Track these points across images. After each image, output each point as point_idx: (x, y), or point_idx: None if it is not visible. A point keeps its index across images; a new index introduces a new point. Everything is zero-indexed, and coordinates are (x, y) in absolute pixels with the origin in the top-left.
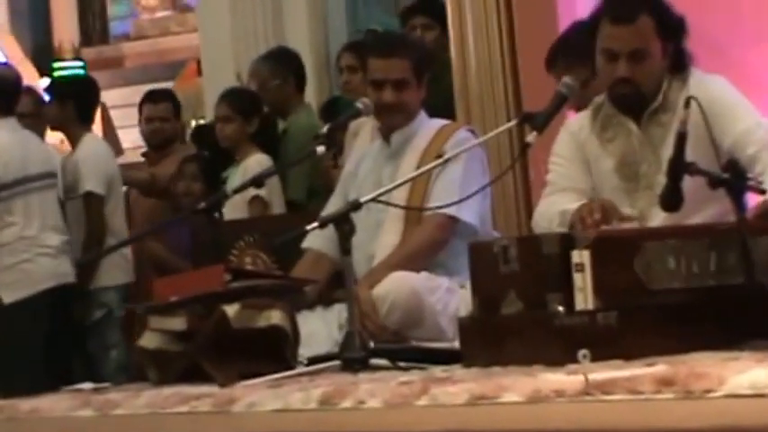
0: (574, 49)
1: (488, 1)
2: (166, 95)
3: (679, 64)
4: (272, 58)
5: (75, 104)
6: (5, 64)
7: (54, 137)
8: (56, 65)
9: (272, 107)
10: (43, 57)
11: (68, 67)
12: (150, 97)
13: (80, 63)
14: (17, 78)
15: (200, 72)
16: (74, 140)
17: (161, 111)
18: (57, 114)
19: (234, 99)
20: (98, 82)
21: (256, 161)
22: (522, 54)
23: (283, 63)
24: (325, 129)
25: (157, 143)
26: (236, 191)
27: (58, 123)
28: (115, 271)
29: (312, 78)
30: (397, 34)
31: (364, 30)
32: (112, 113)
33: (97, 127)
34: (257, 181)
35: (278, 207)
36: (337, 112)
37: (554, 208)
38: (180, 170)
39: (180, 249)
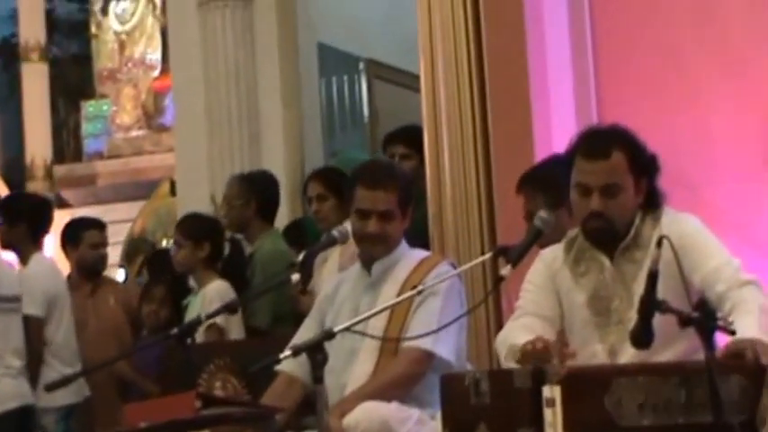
0: (540, 177)
1: (465, 131)
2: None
3: (652, 202)
4: (244, 178)
5: (26, 225)
6: None
7: None
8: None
9: (236, 228)
10: (15, 173)
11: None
12: (95, 224)
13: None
14: None
15: (173, 192)
16: (24, 260)
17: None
18: (6, 234)
19: (184, 225)
20: (67, 200)
21: (215, 288)
22: (498, 185)
23: (250, 185)
24: (300, 257)
25: (100, 270)
26: (210, 316)
27: (8, 243)
28: (54, 392)
29: (287, 202)
30: (386, 165)
31: (340, 154)
32: None
33: None
34: (230, 308)
35: (236, 333)
36: (302, 234)
37: (510, 337)
38: (147, 293)
39: (146, 370)
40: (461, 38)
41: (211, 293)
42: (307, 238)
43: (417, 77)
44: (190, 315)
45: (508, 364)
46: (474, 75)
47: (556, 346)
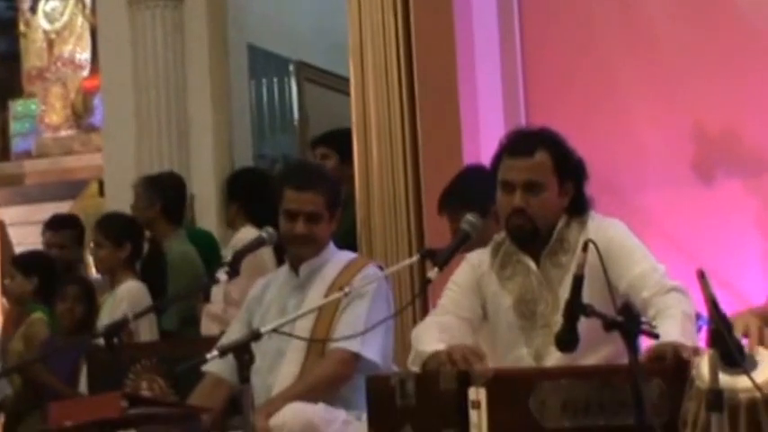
0: (458, 194)
1: (394, 135)
2: (68, 223)
3: (579, 206)
4: (148, 181)
5: None
6: None
7: None
8: None
9: (147, 229)
10: None
11: None
12: (50, 224)
13: None
14: None
15: (102, 192)
16: None
17: (60, 238)
18: None
19: (104, 225)
20: None
21: (126, 289)
22: (426, 189)
23: (154, 188)
24: (228, 257)
25: None
26: (138, 315)
27: None
28: None
29: (215, 203)
30: (313, 167)
31: (268, 156)
32: (11, 231)
33: None
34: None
35: (146, 335)
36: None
37: (421, 340)
38: (62, 292)
39: (62, 372)
40: (391, 42)
41: (122, 293)
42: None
43: (347, 80)
44: (103, 314)
45: (413, 368)
46: (403, 78)
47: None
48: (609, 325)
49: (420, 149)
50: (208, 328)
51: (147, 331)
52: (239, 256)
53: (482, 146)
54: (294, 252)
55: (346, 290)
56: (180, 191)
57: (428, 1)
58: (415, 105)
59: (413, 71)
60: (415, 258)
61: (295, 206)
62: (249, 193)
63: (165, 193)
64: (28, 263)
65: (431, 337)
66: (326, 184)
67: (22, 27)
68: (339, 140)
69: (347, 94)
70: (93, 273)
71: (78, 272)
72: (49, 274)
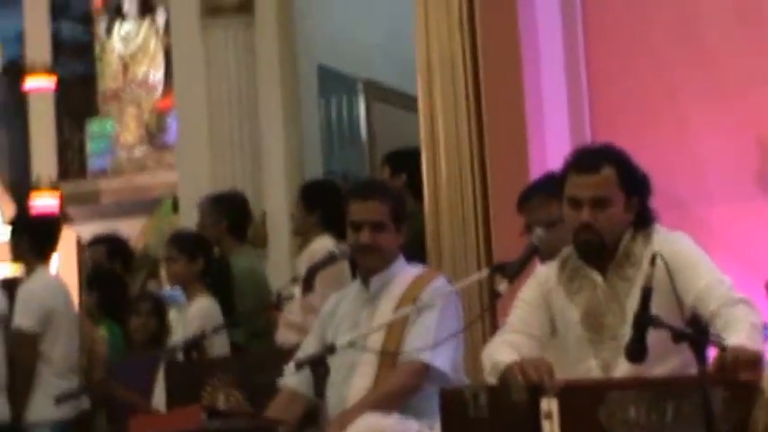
0: (546, 187)
1: (462, 151)
2: (103, 239)
3: (644, 220)
4: (213, 199)
5: (29, 239)
6: None
7: None
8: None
9: (216, 246)
10: (21, 190)
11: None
12: (90, 242)
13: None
14: None
15: (176, 209)
16: (29, 273)
17: (95, 253)
18: (14, 248)
19: (178, 240)
20: (71, 216)
21: (199, 306)
22: (494, 204)
23: (219, 206)
24: (302, 269)
25: None
26: (215, 331)
27: (15, 256)
28: (48, 405)
29: (286, 220)
30: (377, 181)
31: (337, 173)
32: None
33: (72, 260)
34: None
35: (219, 349)
36: None
37: (494, 353)
38: (136, 307)
39: (137, 386)
40: (458, 60)
41: (195, 310)
42: None
43: (414, 99)
44: (175, 330)
45: (490, 380)
46: (470, 96)
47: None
48: (678, 336)
49: (487, 164)
50: (285, 336)
51: (219, 346)
52: (312, 272)
53: (548, 160)
54: (362, 263)
55: (417, 302)
56: (244, 208)
57: (494, 19)
58: (482, 122)
59: (480, 88)
60: (484, 273)
61: (359, 216)
62: (328, 202)
63: (230, 211)
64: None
65: (504, 350)
66: (389, 194)
67: (97, 50)
68: (405, 160)
69: (414, 111)
70: (166, 287)
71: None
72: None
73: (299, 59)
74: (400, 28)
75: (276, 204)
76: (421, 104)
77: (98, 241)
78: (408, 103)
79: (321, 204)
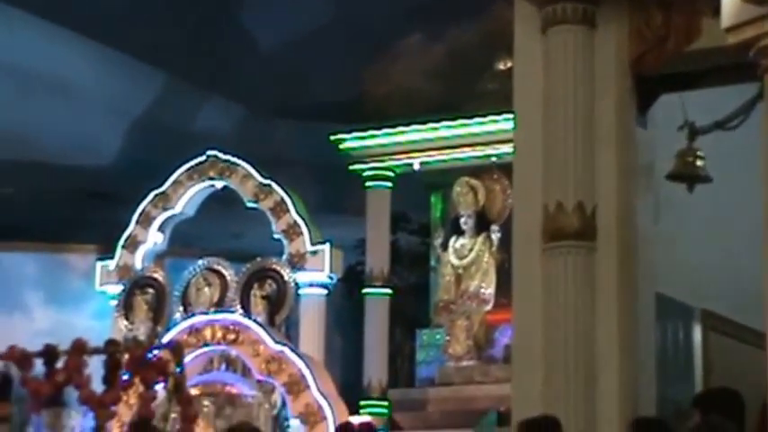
0: None
1: None
2: None
3: None
4: (529, 425)
5: None
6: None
7: None
8: (362, 403)
9: None
10: (352, 394)
11: (374, 406)
12: None
13: (385, 403)
14: None
15: (500, 423)
16: None
17: None
18: None
19: None
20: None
21: None
22: None
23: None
24: None
25: None
26: None
27: None
28: None
29: None
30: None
31: (672, 401)
32: None
33: None
34: None
35: None
36: None
37: None
38: None
39: None
40: None
41: None
42: None
43: (753, 331)
44: None
45: None
46: None
47: None
48: None
49: None
50: None
51: None
52: None
53: None
54: None
55: None
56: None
57: None
58: None
59: None
60: None
61: None
62: None
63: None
64: None
65: None
66: None
67: (432, 262)
68: (732, 404)
69: (756, 346)
70: None
71: None
72: None
73: (638, 287)
74: (736, 254)
75: (608, 430)
76: None
77: None
78: (748, 336)
79: None
